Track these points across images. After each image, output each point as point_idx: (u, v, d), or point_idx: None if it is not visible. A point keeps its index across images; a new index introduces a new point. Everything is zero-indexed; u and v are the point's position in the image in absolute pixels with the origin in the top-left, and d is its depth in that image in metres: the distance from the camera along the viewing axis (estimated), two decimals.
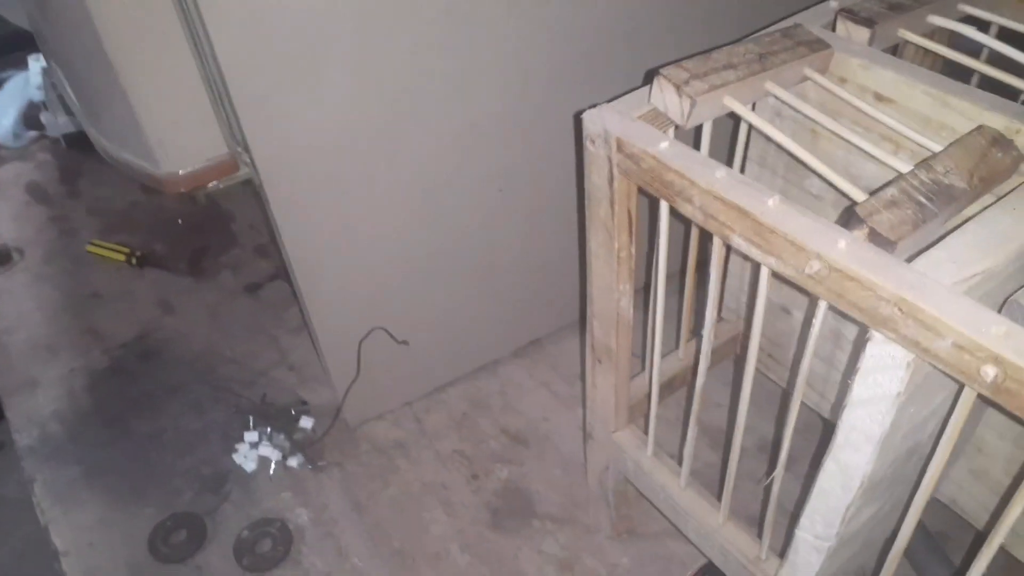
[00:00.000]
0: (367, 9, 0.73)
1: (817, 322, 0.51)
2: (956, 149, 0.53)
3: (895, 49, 0.71)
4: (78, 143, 1.59)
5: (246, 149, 0.77)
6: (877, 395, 0.48)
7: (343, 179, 0.83)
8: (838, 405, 0.59)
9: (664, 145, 0.56)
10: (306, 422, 1.04)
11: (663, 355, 0.73)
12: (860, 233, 0.48)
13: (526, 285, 1.05)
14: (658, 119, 0.61)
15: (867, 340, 0.47)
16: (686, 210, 0.56)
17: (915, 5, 0.69)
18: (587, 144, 0.62)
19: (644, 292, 0.88)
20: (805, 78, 0.64)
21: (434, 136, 0.86)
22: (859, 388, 0.49)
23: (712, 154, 0.59)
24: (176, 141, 0.73)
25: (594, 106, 0.61)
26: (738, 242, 0.53)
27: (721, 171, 0.54)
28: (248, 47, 0.69)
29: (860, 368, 0.48)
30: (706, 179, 0.53)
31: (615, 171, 0.60)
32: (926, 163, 0.52)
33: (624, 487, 0.86)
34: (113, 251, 1.34)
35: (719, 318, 0.92)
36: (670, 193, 0.56)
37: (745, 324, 0.91)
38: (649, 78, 0.60)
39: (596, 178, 0.63)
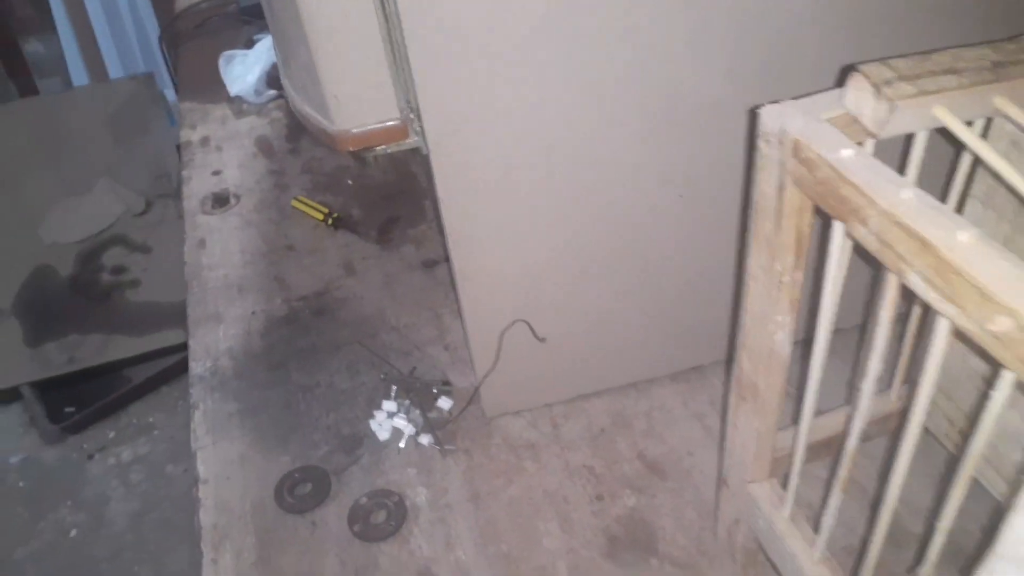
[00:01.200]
0: None
1: (999, 395, 0.40)
2: None
3: None
4: None
5: (418, 116, 0.76)
6: None
7: (514, 161, 0.80)
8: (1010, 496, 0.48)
9: (846, 153, 0.47)
10: (444, 402, 1.02)
11: (829, 408, 0.63)
12: None
13: (694, 304, 0.97)
14: (851, 126, 0.52)
15: None
16: (859, 233, 0.47)
17: None
18: (760, 144, 0.53)
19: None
20: None
21: (615, 129, 0.80)
22: None
23: (923, 183, 0.49)
24: (351, 98, 0.73)
25: (775, 102, 0.53)
26: (914, 281, 0.43)
27: (909, 191, 0.44)
28: (434, 10, 0.68)
29: None
30: (888, 199, 0.44)
31: (787, 179, 0.52)
32: None
33: (754, 546, 0.76)
34: (314, 209, 1.40)
35: (904, 379, 0.79)
36: (844, 211, 0.47)
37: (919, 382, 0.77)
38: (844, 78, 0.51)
39: (765, 186, 0.54)
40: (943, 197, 0.64)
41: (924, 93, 0.48)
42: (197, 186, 1.53)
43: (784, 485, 0.66)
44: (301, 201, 1.43)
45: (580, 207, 0.85)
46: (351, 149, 0.77)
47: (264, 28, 1.94)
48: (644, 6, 0.72)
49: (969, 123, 0.52)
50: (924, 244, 0.41)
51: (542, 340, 0.92)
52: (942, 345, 0.44)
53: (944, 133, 0.51)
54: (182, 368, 1.97)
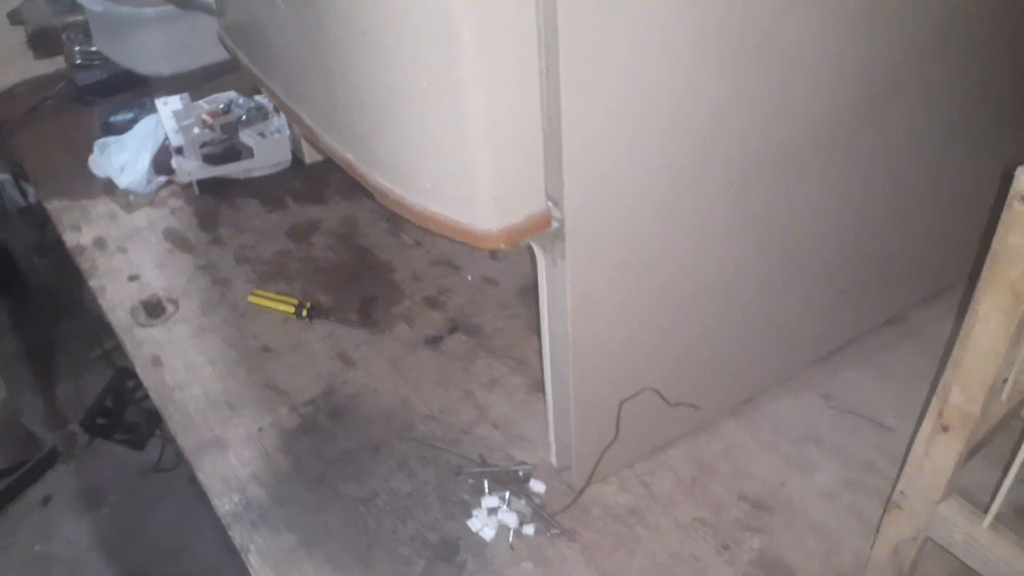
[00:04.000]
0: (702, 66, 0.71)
1: None
2: None
3: None
4: (212, 188, 1.56)
5: (556, 203, 0.74)
6: None
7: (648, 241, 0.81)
8: None
9: None
10: (537, 485, 0.99)
11: None
12: None
13: (747, 340, 1.01)
14: None
15: None
16: None
17: None
18: (1014, 203, 0.59)
19: None
20: None
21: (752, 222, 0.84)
22: None
23: None
24: (509, 194, 0.69)
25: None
26: None
27: None
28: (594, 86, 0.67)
29: None
30: None
31: None
32: None
33: (920, 560, 0.81)
34: (278, 302, 1.29)
35: None
36: None
37: None
38: None
39: (1014, 238, 0.60)
40: None
41: None
42: (116, 296, 1.34)
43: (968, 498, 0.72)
44: (260, 295, 1.30)
45: (699, 276, 0.87)
46: (502, 247, 0.73)
47: (120, 107, 1.75)
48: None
49: None
50: None
51: (674, 405, 0.92)
52: None
53: None
54: None
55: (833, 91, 0.85)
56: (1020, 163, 0.58)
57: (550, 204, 0.75)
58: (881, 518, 0.84)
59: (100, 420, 2.18)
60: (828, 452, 1.03)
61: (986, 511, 0.73)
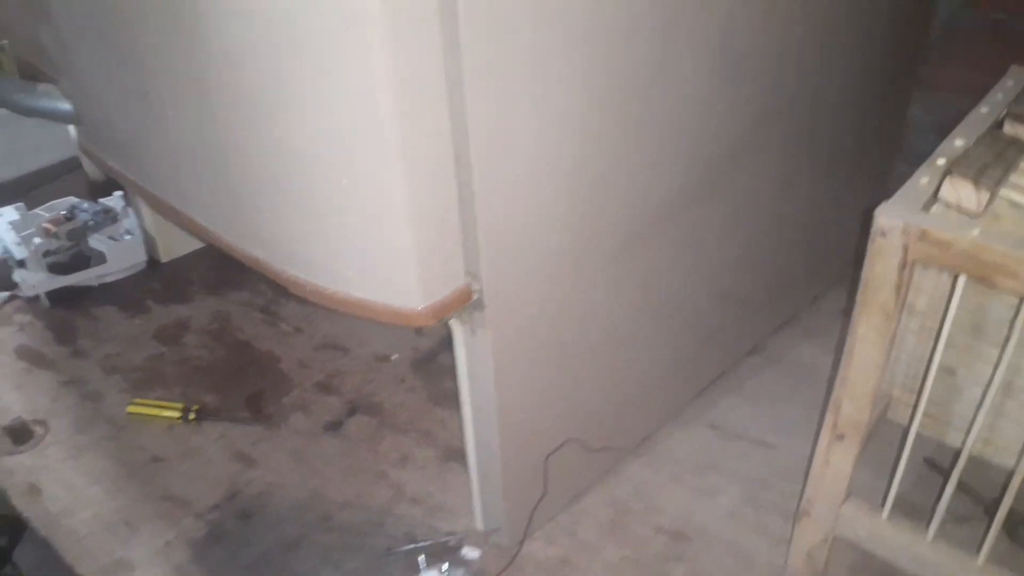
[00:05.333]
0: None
1: None
2: None
3: None
4: (62, 299, 1.47)
5: (475, 276, 0.79)
6: None
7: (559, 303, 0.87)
8: None
9: (976, 232, 0.66)
10: (471, 552, 1.00)
11: None
12: None
13: (639, 382, 1.09)
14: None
15: None
16: (1007, 285, 0.65)
17: None
18: (877, 238, 0.70)
19: None
20: None
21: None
22: None
23: None
24: (434, 272, 0.73)
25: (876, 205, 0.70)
26: None
27: None
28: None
29: None
30: None
31: (909, 259, 0.69)
32: None
33: (834, 558, 0.91)
34: (161, 408, 1.23)
35: None
36: (986, 272, 0.65)
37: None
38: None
39: (881, 268, 0.71)
40: None
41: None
42: None
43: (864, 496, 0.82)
44: (140, 404, 1.24)
45: (594, 327, 0.94)
46: (429, 324, 0.76)
47: None
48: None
49: None
50: None
51: (596, 451, 0.97)
52: None
53: None
54: None
55: (691, 160, 0.96)
56: (866, 204, 0.70)
57: (469, 278, 0.79)
58: (792, 528, 0.93)
59: None
60: (725, 476, 1.12)
61: (882, 506, 0.84)
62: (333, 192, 0.72)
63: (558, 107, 0.75)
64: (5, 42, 1.19)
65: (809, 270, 1.35)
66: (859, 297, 0.73)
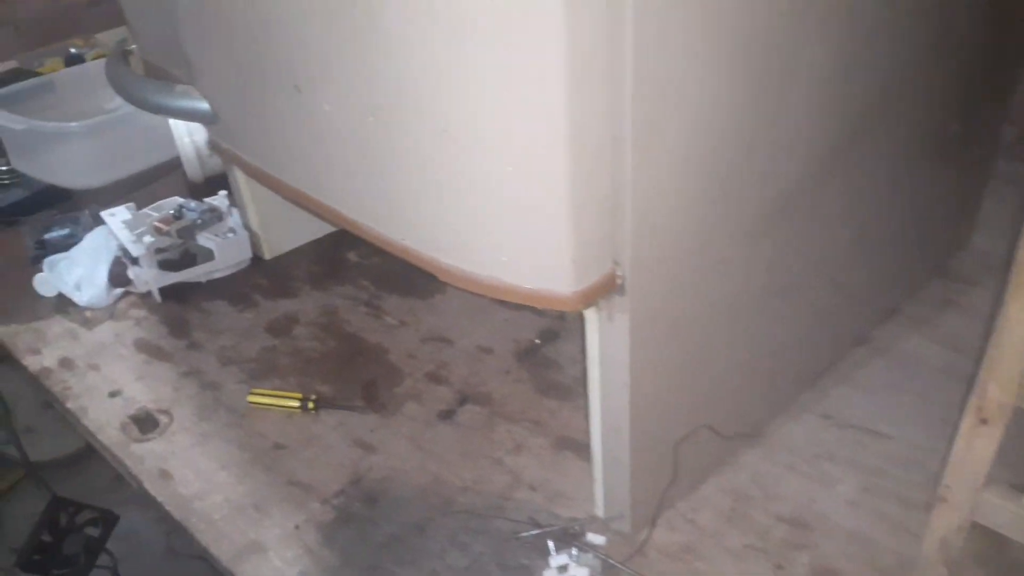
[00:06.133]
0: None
1: None
2: None
3: None
4: (173, 295, 1.52)
5: (618, 261, 0.81)
6: None
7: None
8: None
9: None
10: (596, 538, 1.02)
11: None
12: None
13: (760, 371, 1.10)
14: None
15: None
16: None
17: None
18: None
19: None
20: None
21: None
22: None
23: None
24: (588, 255, 0.75)
25: None
26: None
27: None
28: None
29: None
30: None
31: None
32: None
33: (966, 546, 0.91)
34: (280, 398, 1.27)
35: None
36: None
37: None
38: None
39: None
40: None
41: None
42: (101, 415, 1.29)
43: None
44: (259, 393, 1.28)
45: (724, 312, 0.95)
46: (577, 309, 0.78)
47: (50, 224, 1.68)
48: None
49: None
50: None
51: (728, 438, 0.98)
52: None
53: None
54: None
55: (813, 143, 0.97)
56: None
57: (613, 264, 0.81)
58: (915, 516, 0.93)
59: (35, 556, 2.02)
60: (841, 465, 1.13)
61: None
62: (496, 179, 0.74)
63: (704, 90, 0.77)
64: (133, 46, 1.24)
65: (911, 260, 1.35)
66: (1012, 278, 0.74)
